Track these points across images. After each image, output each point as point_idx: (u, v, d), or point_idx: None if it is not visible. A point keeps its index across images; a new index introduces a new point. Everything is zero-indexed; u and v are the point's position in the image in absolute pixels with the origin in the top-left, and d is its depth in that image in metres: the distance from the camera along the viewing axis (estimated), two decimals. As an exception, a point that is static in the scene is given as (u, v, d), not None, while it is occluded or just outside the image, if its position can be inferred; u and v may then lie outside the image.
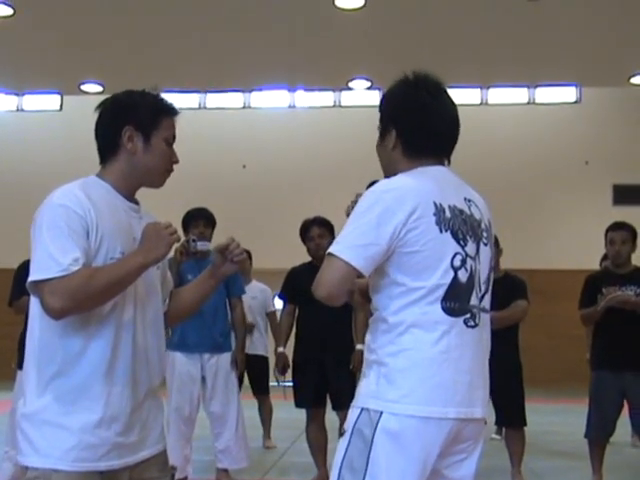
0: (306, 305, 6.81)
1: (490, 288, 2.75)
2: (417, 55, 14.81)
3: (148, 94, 2.81)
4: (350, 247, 2.53)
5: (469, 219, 2.66)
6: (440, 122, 2.75)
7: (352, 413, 2.63)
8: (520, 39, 14.20)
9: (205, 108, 20.39)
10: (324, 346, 6.65)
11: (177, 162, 2.82)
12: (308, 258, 6.96)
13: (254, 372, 8.11)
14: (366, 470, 2.51)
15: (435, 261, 2.55)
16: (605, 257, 8.10)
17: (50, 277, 2.46)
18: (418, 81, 2.81)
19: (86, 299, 2.49)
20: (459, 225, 2.62)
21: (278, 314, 7.76)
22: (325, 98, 20.13)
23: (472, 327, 2.62)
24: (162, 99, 2.82)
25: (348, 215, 2.83)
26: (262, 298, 8.93)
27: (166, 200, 18.01)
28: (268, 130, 19.93)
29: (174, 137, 2.82)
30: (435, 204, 2.57)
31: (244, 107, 20.52)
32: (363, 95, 19.56)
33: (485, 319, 2.70)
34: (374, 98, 19.74)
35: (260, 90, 19.74)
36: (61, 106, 20.36)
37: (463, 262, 2.60)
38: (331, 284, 2.55)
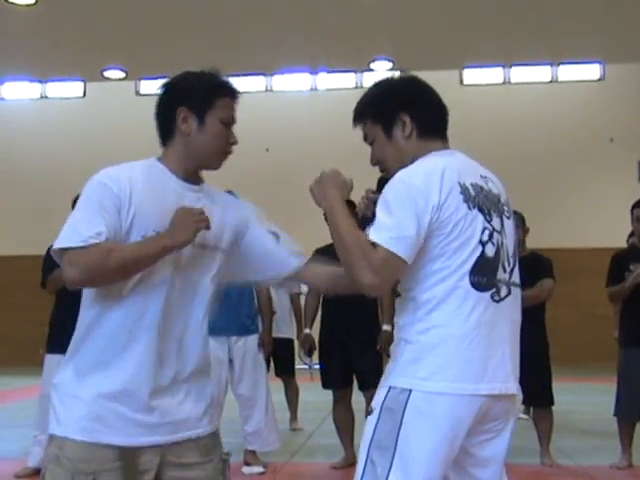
0: (331, 287, 6.82)
1: (517, 262, 2.74)
2: (438, 35, 14.76)
3: (205, 74, 2.78)
4: (395, 238, 2.49)
5: (489, 194, 2.67)
6: (438, 99, 2.81)
7: (380, 392, 2.62)
8: (542, 17, 14.09)
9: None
10: (350, 327, 6.66)
11: (235, 143, 2.77)
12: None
13: (279, 354, 8.13)
14: (395, 448, 2.50)
15: (467, 238, 2.55)
16: (632, 234, 8.05)
17: (69, 246, 2.48)
18: (398, 75, 2.92)
19: (102, 273, 2.49)
20: (483, 201, 2.63)
21: (302, 297, 7.78)
22: (347, 80, 20.07)
23: (497, 301, 2.60)
24: (219, 79, 2.78)
25: (361, 214, 2.89)
26: (287, 280, 8.93)
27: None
28: (290, 113, 19.91)
29: (233, 118, 2.77)
30: (459, 183, 2.58)
31: (266, 90, 20.50)
32: (385, 76, 19.49)
33: (516, 293, 2.69)
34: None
35: (282, 73, 19.72)
36: (84, 93, 20.42)
37: (490, 236, 2.60)
38: (383, 276, 2.52)
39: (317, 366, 7.12)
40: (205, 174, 2.83)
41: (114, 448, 2.53)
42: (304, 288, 7.60)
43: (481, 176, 2.71)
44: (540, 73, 19.61)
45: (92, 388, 2.55)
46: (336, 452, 7.05)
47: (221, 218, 2.77)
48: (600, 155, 19.28)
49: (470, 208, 2.57)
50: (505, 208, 2.73)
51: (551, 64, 19.41)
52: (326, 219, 2.72)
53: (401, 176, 2.59)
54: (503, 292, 2.63)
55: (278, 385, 8.80)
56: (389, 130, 2.78)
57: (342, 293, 3.21)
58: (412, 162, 2.67)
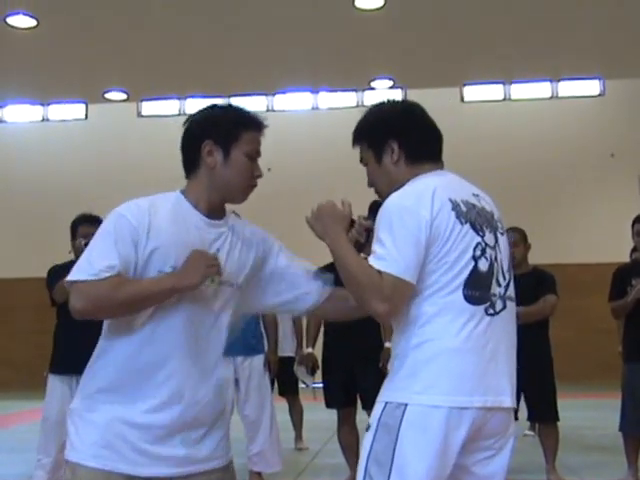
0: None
1: (512, 277, 2.77)
2: (438, 53, 14.80)
3: (231, 107, 2.82)
4: (397, 262, 2.52)
5: (482, 211, 2.71)
6: (429, 126, 2.87)
7: (377, 407, 2.63)
8: (542, 33, 14.14)
9: (228, 112, 20.43)
10: (352, 345, 6.64)
11: (260, 176, 2.81)
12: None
13: (283, 374, 8.12)
14: (392, 463, 2.51)
15: (460, 253, 2.58)
16: (635, 249, 8.05)
17: (80, 279, 2.51)
18: (393, 100, 2.97)
19: (107, 307, 2.52)
20: (475, 217, 2.66)
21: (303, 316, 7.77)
22: (348, 99, 20.13)
23: (492, 315, 2.62)
24: (245, 112, 2.82)
25: (354, 239, 2.89)
26: (290, 299, 8.92)
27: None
28: (292, 132, 19.95)
29: (258, 152, 2.81)
30: (450, 200, 2.62)
31: (267, 110, 20.55)
32: (386, 94, 19.55)
33: (511, 307, 2.72)
34: (397, 97, 19.72)
35: (283, 93, 19.78)
36: (86, 115, 20.48)
37: (483, 252, 2.63)
38: (398, 305, 2.55)
39: (318, 385, 7.10)
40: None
41: (124, 476, 2.54)
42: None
43: (473, 194, 2.75)
44: (540, 89, 19.65)
45: (106, 415, 2.56)
46: (341, 471, 7.03)
47: (243, 253, 2.79)
48: (601, 170, 19.29)
49: (462, 223, 2.61)
50: (499, 224, 2.78)
51: (551, 80, 19.45)
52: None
53: (392, 200, 2.63)
54: (498, 306, 2.66)
55: (282, 404, 8.78)
56: (379, 155, 2.82)
57: (350, 319, 3.23)
58: (401, 186, 2.70)
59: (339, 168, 19.44)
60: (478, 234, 2.64)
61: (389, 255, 2.53)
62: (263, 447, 6.74)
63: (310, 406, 9.17)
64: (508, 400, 2.63)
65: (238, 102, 2.89)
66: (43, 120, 21.01)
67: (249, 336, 6.77)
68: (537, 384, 6.44)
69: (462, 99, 19.51)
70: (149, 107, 19.92)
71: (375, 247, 2.59)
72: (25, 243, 19.57)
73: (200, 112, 2.82)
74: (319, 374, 7.01)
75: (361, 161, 2.94)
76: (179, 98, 19.49)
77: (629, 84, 19.20)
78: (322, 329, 6.99)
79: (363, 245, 2.80)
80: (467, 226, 2.62)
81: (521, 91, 19.72)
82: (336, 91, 19.62)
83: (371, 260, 2.56)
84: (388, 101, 2.95)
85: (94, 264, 2.51)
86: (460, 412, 2.50)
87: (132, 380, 2.57)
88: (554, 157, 19.17)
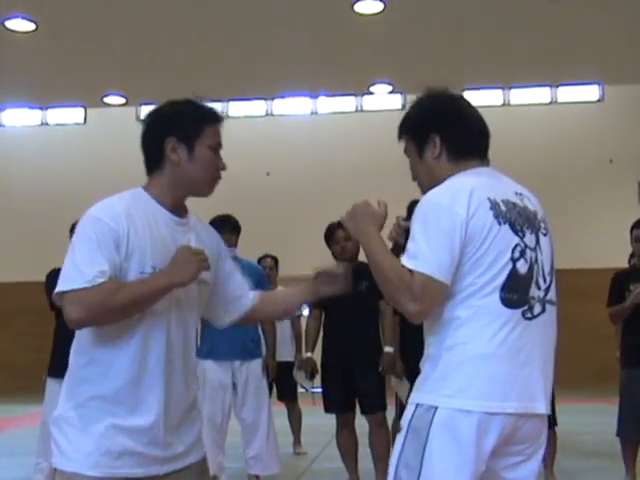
0: (332, 309, 6.82)
1: (554, 279, 2.69)
2: (437, 58, 14.83)
3: (190, 103, 2.80)
4: (430, 261, 2.48)
5: (524, 211, 2.64)
6: (475, 121, 2.80)
7: (408, 409, 2.59)
8: (540, 39, 14.17)
9: (228, 117, 20.45)
10: (351, 350, 6.64)
11: (224, 169, 2.82)
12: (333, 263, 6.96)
13: (282, 378, 8.12)
14: (421, 467, 2.47)
15: (498, 254, 2.52)
16: (633, 255, 8.06)
17: (74, 288, 2.48)
18: (440, 91, 2.86)
19: (105, 313, 2.51)
20: (515, 217, 2.60)
21: (303, 320, 7.77)
22: (347, 103, 20.15)
23: (529, 319, 2.56)
24: (204, 107, 2.80)
25: (393, 240, 2.88)
26: (288, 304, 8.92)
27: (190, 208, 18.11)
28: (291, 137, 19.97)
29: (220, 144, 2.81)
30: (489, 199, 2.56)
31: (267, 115, 20.58)
32: (385, 99, 19.57)
33: (550, 311, 2.64)
34: (396, 102, 19.75)
35: (282, 97, 19.80)
36: (85, 119, 20.50)
37: (522, 253, 2.57)
38: (429, 306, 2.50)
39: (317, 389, 7.10)
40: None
41: (122, 479, 2.57)
42: (305, 311, 7.60)
43: (516, 193, 2.69)
44: (539, 95, 19.68)
45: (102, 423, 2.56)
46: (340, 476, 7.02)
47: (208, 252, 2.77)
48: (600, 176, 19.31)
49: (500, 224, 2.54)
50: (542, 225, 2.69)
51: (550, 86, 19.48)
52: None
53: (428, 197, 2.60)
54: (536, 310, 2.59)
55: (281, 409, 8.78)
56: (421, 149, 2.78)
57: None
58: (442, 182, 2.66)
59: (338, 172, 19.48)
60: (517, 235, 2.57)
61: (421, 254, 2.49)
62: (260, 450, 6.74)
63: (309, 411, 9.17)
64: (542, 406, 2.57)
65: (238, 106, 2.90)
66: (42, 124, 21.03)
67: (247, 340, 6.77)
68: None
69: (461, 104, 19.53)
70: (148, 111, 19.92)
71: (409, 245, 2.55)
72: (24, 247, 19.57)
73: (159, 109, 2.81)
74: (318, 379, 7.01)
75: (405, 152, 2.88)
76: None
77: (628, 90, 19.22)
78: (321, 333, 7.00)
79: (403, 246, 2.80)
80: (506, 226, 2.55)
81: (520, 96, 19.75)
82: (335, 96, 19.65)
83: (403, 259, 2.53)
84: (434, 93, 2.86)
85: (84, 271, 2.48)
86: (490, 417, 2.46)
87: (130, 388, 2.58)
88: (553, 163, 19.19)
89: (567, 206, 18.94)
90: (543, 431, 2.64)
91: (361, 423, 6.88)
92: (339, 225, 6.89)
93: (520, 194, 2.70)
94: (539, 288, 2.60)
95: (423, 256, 2.49)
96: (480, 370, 2.47)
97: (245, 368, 6.75)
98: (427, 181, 2.77)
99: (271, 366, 6.91)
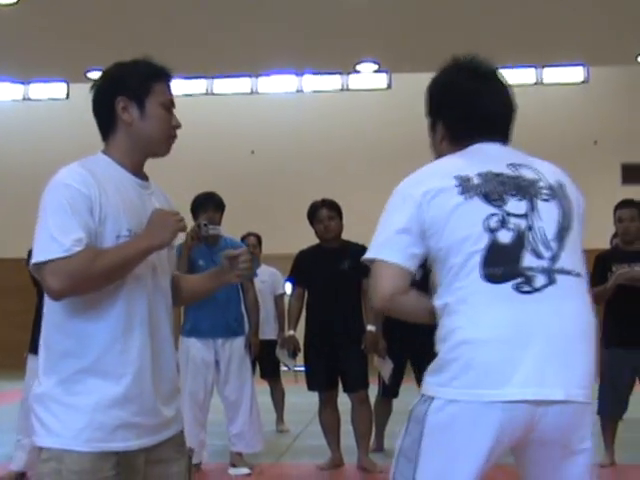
0: (315, 288, 6.84)
1: (567, 245, 2.42)
2: (423, 37, 14.79)
3: (137, 62, 2.76)
4: (381, 245, 2.42)
5: (512, 180, 2.44)
6: (487, 105, 2.61)
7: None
8: (526, 19, 14.15)
9: (212, 94, 20.37)
10: (334, 328, 6.66)
11: (179, 126, 2.76)
12: (317, 242, 6.97)
13: (265, 357, 8.13)
14: (417, 459, 2.35)
15: (465, 228, 2.35)
16: (615, 235, 8.10)
17: (52, 258, 2.42)
18: (461, 66, 2.71)
19: (86, 281, 2.46)
20: (493, 187, 2.40)
21: (286, 299, 7.78)
22: (333, 82, 20.09)
23: (528, 292, 2.31)
24: (152, 64, 2.76)
25: None
26: (271, 282, 8.94)
27: (174, 186, 18.02)
28: (276, 115, 19.90)
29: (172, 102, 2.76)
30: (457, 177, 2.41)
31: (252, 92, 20.49)
32: (371, 78, 19.52)
33: (565, 281, 2.35)
34: (382, 81, 19.70)
35: (267, 75, 19.71)
36: (67, 94, 20.36)
37: (502, 222, 2.35)
38: (383, 290, 2.42)
39: (300, 368, 7.13)
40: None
41: (115, 454, 2.53)
42: (288, 289, 7.61)
43: (509, 164, 2.50)
44: (525, 75, 19.67)
45: (91, 396, 2.52)
46: (322, 453, 7.05)
47: None
48: (584, 157, 19.34)
49: (467, 198, 2.37)
50: (543, 191, 2.45)
51: (536, 66, 19.48)
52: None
53: (399, 185, 2.54)
54: (539, 281, 2.32)
55: (264, 387, 8.80)
56: (433, 129, 2.69)
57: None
58: None
59: (323, 151, 19.45)
60: (492, 204, 2.36)
61: (375, 241, 2.45)
62: (243, 428, 6.75)
63: (292, 389, 9.20)
64: (559, 392, 2.27)
65: (222, 84, 2.88)
66: (24, 99, 20.88)
67: (230, 318, 6.77)
68: None
69: (446, 84, 19.49)
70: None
71: None
72: (6, 223, 19.46)
73: (107, 71, 2.78)
74: (301, 357, 7.03)
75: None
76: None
77: (613, 71, 19.25)
78: (304, 312, 7.01)
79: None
80: (475, 199, 2.37)
81: (506, 77, 19.70)
82: (321, 74, 19.58)
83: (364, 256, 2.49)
84: (449, 67, 2.70)
85: (61, 240, 2.42)
86: (487, 406, 2.25)
87: (115, 357, 2.55)
88: (538, 143, 19.09)
89: (551, 187, 19.00)
90: (582, 420, 2.38)
91: (344, 401, 6.91)
92: (322, 204, 6.89)
93: (518, 165, 2.52)
94: (539, 257, 2.35)
95: (378, 243, 2.44)
96: (472, 356, 2.28)
97: (228, 346, 6.75)
98: (436, 157, 2.68)
99: (254, 344, 6.91)
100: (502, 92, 2.70)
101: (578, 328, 2.35)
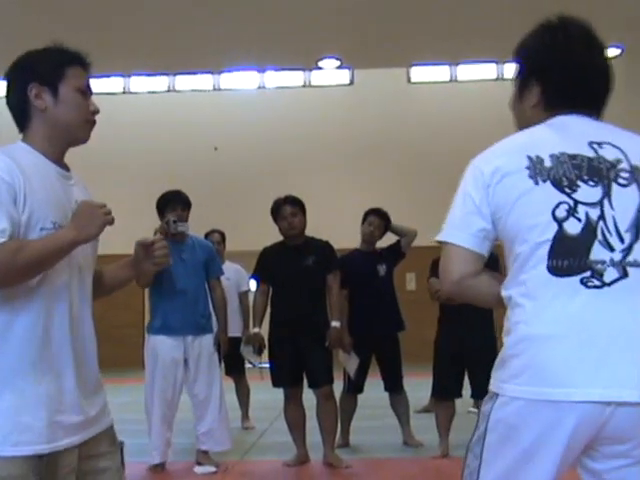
0: (279, 284, 6.85)
1: None
2: (385, 33, 14.81)
3: (49, 48, 2.69)
4: (453, 227, 2.33)
5: (588, 162, 2.27)
6: (591, 75, 2.43)
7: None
8: (486, 15, 14.22)
9: (174, 91, 20.28)
10: (298, 324, 6.67)
11: (97, 111, 2.70)
12: (281, 238, 6.97)
13: (229, 354, 8.11)
14: (481, 456, 2.27)
15: (532, 217, 2.22)
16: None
17: None
18: (566, 26, 2.46)
19: (10, 274, 2.38)
20: (565, 171, 2.24)
21: (251, 296, 7.77)
22: (295, 78, 20.08)
23: (598, 287, 2.15)
24: (65, 49, 2.69)
25: None
26: (236, 279, 8.92)
27: (137, 183, 17.95)
28: (239, 111, 19.85)
29: (89, 87, 2.70)
30: (529, 157, 2.27)
31: (214, 89, 20.43)
32: (333, 74, 19.53)
33: (637, 275, 2.18)
34: (344, 77, 19.72)
35: (230, 71, 19.66)
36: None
37: (571, 211, 2.20)
38: (450, 274, 2.33)
39: (265, 365, 7.13)
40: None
41: (39, 456, 2.45)
42: (252, 286, 7.60)
43: (591, 143, 2.32)
44: (487, 71, 19.77)
45: (13, 397, 2.44)
46: (288, 450, 7.06)
47: None
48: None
49: (538, 183, 2.23)
50: (622, 174, 2.27)
51: (497, 62, 19.58)
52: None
53: (475, 159, 2.41)
54: (610, 275, 2.16)
55: (229, 384, 8.78)
56: (522, 90, 2.49)
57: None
58: None
59: (286, 147, 19.43)
60: (562, 191, 2.21)
61: (447, 223, 2.35)
62: (212, 426, 6.74)
63: (257, 386, 9.19)
64: (630, 393, 2.09)
65: (184, 80, 2.85)
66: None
67: (198, 316, 6.75)
68: (482, 363, 6.52)
69: (409, 80, 19.56)
70: (94, 84, 19.64)
71: None
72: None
73: (18, 59, 2.69)
74: (266, 354, 7.03)
75: (512, 81, 2.57)
76: (123, 76, 19.27)
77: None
78: (269, 309, 7.01)
79: None
80: (546, 184, 2.22)
81: (468, 72, 19.83)
82: (283, 70, 19.56)
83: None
84: (560, 23, 2.48)
85: None
86: (552, 405, 2.11)
87: (34, 354, 2.47)
88: (501, 137, 19.29)
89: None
90: None
91: (309, 397, 6.92)
92: (285, 201, 6.90)
93: (600, 143, 2.32)
94: (611, 249, 2.18)
95: (451, 225, 2.35)
96: (534, 353, 2.16)
97: (197, 343, 6.73)
98: (520, 122, 2.53)
99: (223, 341, 6.91)
100: (608, 69, 2.47)
101: None
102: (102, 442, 2.68)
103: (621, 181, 2.25)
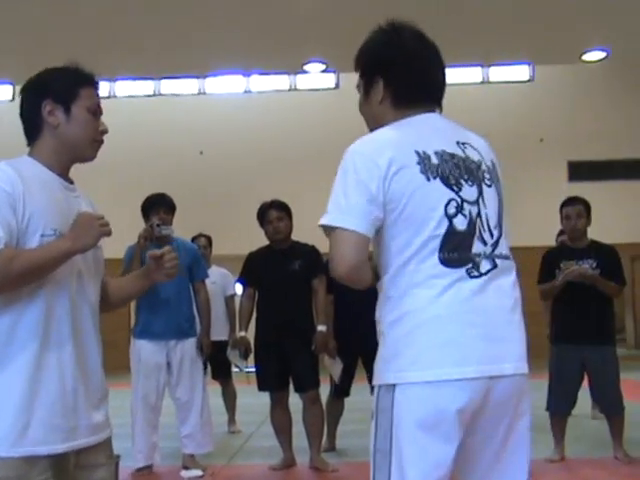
0: (265, 288, 6.84)
1: (503, 231, 2.53)
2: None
3: (64, 67, 2.78)
4: (349, 212, 2.33)
5: (463, 162, 2.46)
6: (428, 66, 2.59)
7: (375, 393, 2.44)
8: (472, 18, 14.27)
9: (160, 95, 20.26)
10: (284, 329, 6.66)
11: (106, 131, 2.79)
12: (267, 243, 6.96)
13: (216, 357, 8.10)
14: (391, 450, 2.33)
15: (427, 211, 2.35)
16: (561, 233, 8.21)
17: None
18: (397, 27, 2.63)
19: (5, 281, 2.44)
20: (450, 170, 2.41)
21: (237, 300, 7.75)
22: (280, 82, 20.09)
23: (477, 277, 2.37)
24: (79, 70, 2.78)
25: None
26: (222, 283, 8.91)
27: (123, 187, 17.91)
28: (224, 116, 19.85)
29: (99, 106, 2.78)
30: (417, 153, 2.39)
31: (199, 93, 20.42)
32: (318, 78, 19.55)
33: (505, 265, 2.48)
34: (329, 81, 19.74)
35: (215, 76, 19.65)
36: (13, 97, 20.11)
37: (459, 208, 2.39)
38: (347, 259, 2.34)
39: (251, 369, 7.12)
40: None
41: (45, 457, 2.50)
42: (238, 290, 7.59)
43: (458, 142, 2.51)
44: (471, 74, 19.84)
45: (14, 400, 2.48)
46: (274, 454, 7.05)
47: None
48: (530, 155, 19.57)
49: (429, 179, 2.37)
50: (487, 175, 2.51)
51: (482, 65, 19.65)
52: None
53: (351, 147, 2.44)
54: (485, 266, 2.40)
55: (215, 388, 8.77)
56: (367, 89, 2.61)
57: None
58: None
59: (272, 151, 19.44)
60: (451, 189, 2.39)
61: (338, 207, 2.36)
62: (194, 429, 6.74)
63: (244, 390, 9.17)
64: (510, 367, 2.38)
65: (169, 84, 2.88)
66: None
67: (182, 319, 6.74)
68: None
69: (394, 83, 19.58)
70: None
71: (329, 201, 2.41)
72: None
73: (35, 76, 2.79)
74: (252, 358, 7.02)
75: (356, 87, 2.69)
76: (110, 80, 19.24)
77: (558, 70, 19.49)
78: (255, 313, 6.99)
79: None
80: (437, 181, 2.38)
81: (452, 76, 19.88)
82: (269, 74, 19.57)
83: (322, 219, 2.39)
84: (393, 27, 2.63)
85: None
86: (452, 384, 2.29)
87: (33, 358, 2.51)
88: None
89: (498, 185, 19.18)
90: (522, 389, 2.44)
91: (295, 401, 6.92)
92: (271, 205, 6.89)
93: (464, 143, 2.52)
94: (485, 244, 2.43)
95: (338, 210, 2.35)
96: (431, 337, 2.31)
97: (180, 347, 6.73)
98: (370, 124, 2.62)
99: (205, 345, 6.89)
100: (442, 61, 2.65)
101: (517, 306, 2.48)
102: (100, 453, 2.71)
103: (487, 181, 2.50)
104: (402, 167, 2.35)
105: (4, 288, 2.48)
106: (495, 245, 2.46)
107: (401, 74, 2.54)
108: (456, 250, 2.36)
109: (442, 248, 2.35)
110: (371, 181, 2.34)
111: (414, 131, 2.47)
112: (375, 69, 2.58)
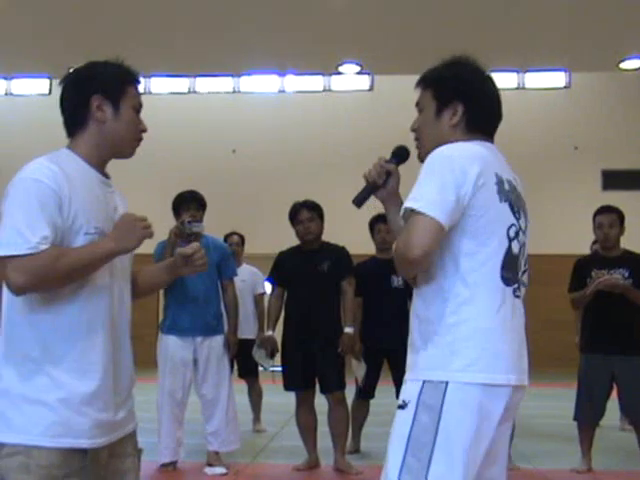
0: (294, 288, 6.84)
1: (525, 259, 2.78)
2: (405, 39, 14.81)
3: (111, 63, 2.79)
4: (435, 203, 2.49)
5: (518, 195, 2.73)
6: (497, 102, 2.84)
7: (412, 386, 2.60)
8: (510, 25, 14.19)
9: (195, 92, 20.33)
10: (312, 329, 6.66)
11: (145, 131, 2.82)
12: (297, 242, 6.96)
13: (243, 356, 8.11)
14: (434, 442, 2.50)
15: (496, 227, 2.60)
16: (595, 242, 8.14)
17: (17, 254, 2.42)
18: (472, 62, 2.87)
19: (50, 279, 2.47)
20: (514, 198, 2.68)
21: (266, 298, 7.76)
22: (315, 83, 20.09)
23: (518, 297, 2.68)
24: (126, 67, 2.80)
25: (367, 179, 2.86)
26: (251, 281, 8.92)
27: (157, 184, 17.99)
28: (258, 115, 19.88)
29: (141, 105, 2.81)
30: (497, 175, 2.63)
31: (234, 92, 20.47)
32: (353, 80, 19.53)
33: (524, 292, 2.76)
34: (364, 82, 19.72)
35: (249, 75, 19.69)
36: (50, 90, 20.26)
37: (517, 234, 2.66)
38: (424, 243, 2.47)
39: (277, 368, 7.12)
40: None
41: (82, 451, 2.55)
42: (268, 289, 7.60)
43: (513, 177, 2.76)
44: (507, 80, 19.74)
45: (58, 392, 2.52)
46: (299, 454, 7.05)
47: None
48: (564, 163, 19.43)
49: (501, 200, 2.61)
50: (523, 208, 2.76)
51: (518, 71, 19.54)
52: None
53: (442, 150, 2.60)
54: (519, 290, 2.70)
55: (242, 386, 8.78)
56: (440, 111, 2.78)
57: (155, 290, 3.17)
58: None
59: (304, 151, 19.45)
60: (514, 216, 2.66)
61: (426, 196, 2.50)
62: (219, 426, 6.74)
63: (269, 389, 9.18)
64: (525, 379, 2.70)
65: (204, 83, 2.90)
66: (7, 94, 20.77)
67: (209, 316, 6.76)
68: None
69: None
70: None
71: (416, 188, 2.54)
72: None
73: (82, 69, 2.80)
74: (278, 357, 7.02)
75: (417, 105, 2.87)
76: (144, 76, 19.34)
77: (595, 77, 19.34)
78: (283, 312, 7.00)
79: (378, 187, 2.82)
80: (506, 205, 2.63)
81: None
82: (303, 74, 19.58)
83: (406, 202, 2.54)
84: (467, 62, 2.86)
85: (27, 237, 2.43)
86: (498, 389, 2.55)
87: (78, 354, 2.56)
88: (519, 148, 19.23)
89: (531, 192, 18.74)
90: (522, 398, 2.75)
91: (320, 402, 6.91)
92: (303, 205, 6.89)
93: (515, 179, 2.77)
94: (520, 270, 2.71)
95: (427, 199, 2.49)
96: (487, 345, 2.55)
97: (207, 344, 6.75)
98: (431, 142, 2.75)
99: (232, 342, 6.90)
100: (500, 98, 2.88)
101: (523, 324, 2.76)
102: (128, 443, 2.77)
103: (528, 217, 2.80)
104: (486, 182, 2.57)
105: (50, 286, 2.51)
106: (523, 274, 2.75)
107: (481, 104, 2.78)
108: (511, 270, 2.64)
109: (504, 266, 2.61)
110: (463, 185, 2.52)
111: (490, 155, 2.68)
112: (459, 95, 2.76)
